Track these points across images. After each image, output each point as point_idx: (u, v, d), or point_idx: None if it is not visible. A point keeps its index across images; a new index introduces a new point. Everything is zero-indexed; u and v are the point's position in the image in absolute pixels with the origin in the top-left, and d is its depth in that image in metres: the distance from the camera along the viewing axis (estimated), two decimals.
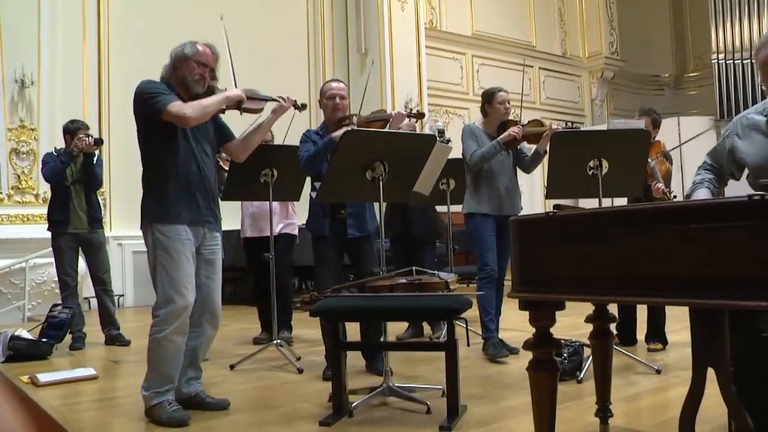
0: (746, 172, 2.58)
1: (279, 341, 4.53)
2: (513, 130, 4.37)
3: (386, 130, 3.83)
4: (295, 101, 3.51)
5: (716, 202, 1.85)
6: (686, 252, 1.65)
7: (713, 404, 2.12)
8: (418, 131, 5.99)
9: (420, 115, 4.17)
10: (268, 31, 10.07)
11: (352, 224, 3.98)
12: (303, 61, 10.68)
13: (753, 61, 2.32)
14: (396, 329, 5.40)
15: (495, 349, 4.33)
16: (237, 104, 3.30)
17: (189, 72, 3.17)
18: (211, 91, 3.25)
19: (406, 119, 4.15)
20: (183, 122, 3.07)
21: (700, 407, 1.85)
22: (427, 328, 5.60)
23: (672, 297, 1.76)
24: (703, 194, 2.50)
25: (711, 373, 1.78)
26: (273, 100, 3.42)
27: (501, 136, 4.39)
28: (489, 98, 4.60)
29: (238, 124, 3.56)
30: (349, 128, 3.53)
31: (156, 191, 3.13)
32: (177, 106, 3.04)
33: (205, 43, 3.25)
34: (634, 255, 1.76)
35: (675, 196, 4.37)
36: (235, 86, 3.39)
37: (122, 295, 8.59)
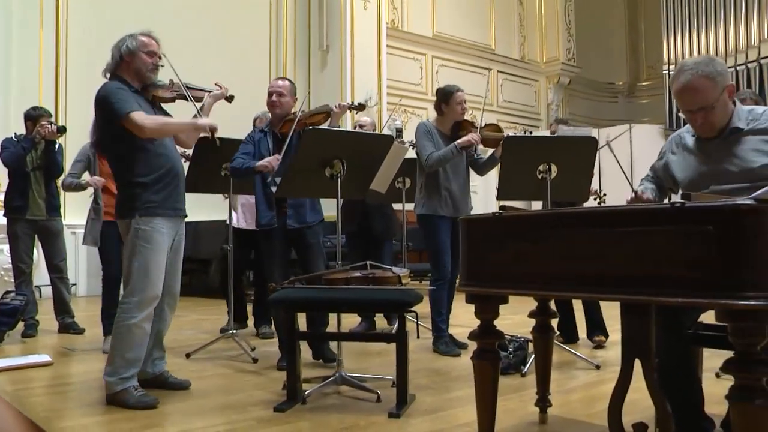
0: None
1: (234, 331, 4.61)
2: (473, 137, 4.40)
3: (346, 129, 3.94)
4: (228, 93, 3.68)
5: (642, 207, 2.03)
6: (616, 252, 1.82)
7: (642, 397, 2.30)
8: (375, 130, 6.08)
9: (360, 107, 4.20)
10: (230, 25, 10.07)
11: (291, 215, 4.04)
12: (264, 56, 10.70)
13: None
14: (349, 323, 5.51)
15: (447, 347, 4.45)
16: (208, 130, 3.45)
17: (143, 64, 3.35)
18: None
19: (353, 115, 4.22)
20: (139, 132, 3.19)
21: (632, 399, 2.02)
22: (380, 322, 5.74)
23: (604, 293, 1.94)
24: (647, 193, 2.67)
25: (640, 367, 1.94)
26: (209, 91, 3.62)
27: (460, 141, 4.42)
28: (446, 97, 4.60)
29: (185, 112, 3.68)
30: (307, 129, 3.62)
31: (141, 184, 3.24)
32: (139, 116, 3.17)
33: (143, 33, 3.40)
34: (569, 254, 1.93)
35: (605, 195, 4.65)
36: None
37: (74, 284, 8.51)
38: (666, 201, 2.64)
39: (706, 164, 2.48)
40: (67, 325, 5.48)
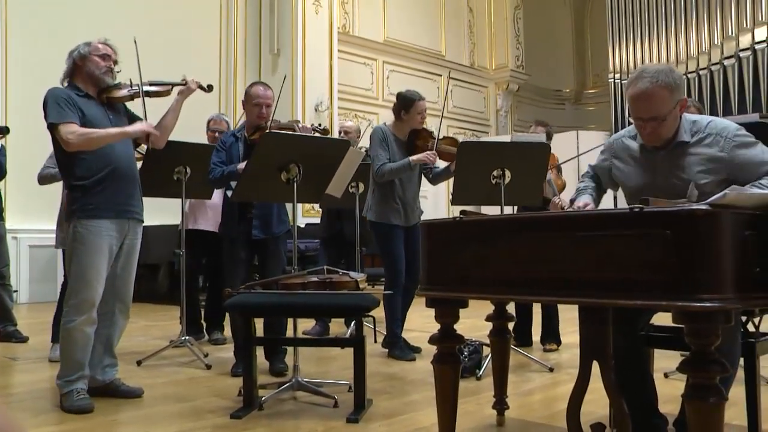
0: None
1: (188, 338, 4.52)
2: (429, 157, 4.38)
3: (302, 134, 3.92)
4: (200, 83, 3.65)
5: (600, 212, 2.07)
6: (574, 256, 1.85)
7: (598, 398, 2.35)
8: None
9: (324, 132, 4.22)
10: (180, 25, 9.90)
11: (257, 225, 4.01)
12: (215, 59, 10.56)
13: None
14: (303, 327, 5.47)
15: (402, 352, 4.46)
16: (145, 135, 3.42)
17: (96, 67, 3.34)
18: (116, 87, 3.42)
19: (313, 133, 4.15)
20: (65, 146, 3.20)
21: (587, 401, 2.06)
22: (335, 326, 5.71)
23: (562, 296, 1.96)
24: (585, 199, 2.70)
25: (597, 370, 1.98)
26: (178, 84, 3.60)
27: (415, 158, 4.39)
28: (407, 105, 4.50)
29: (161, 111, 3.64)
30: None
31: (79, 187, 3.24)
32: (65, 129, 3.16)
33: (99, 41, 3.41)
34: (529, 258, 1.95)
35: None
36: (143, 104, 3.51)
37: (16, 291, 8.24)
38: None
39: (651, 177, 2.48)
40: (10, 334, 5.30)
